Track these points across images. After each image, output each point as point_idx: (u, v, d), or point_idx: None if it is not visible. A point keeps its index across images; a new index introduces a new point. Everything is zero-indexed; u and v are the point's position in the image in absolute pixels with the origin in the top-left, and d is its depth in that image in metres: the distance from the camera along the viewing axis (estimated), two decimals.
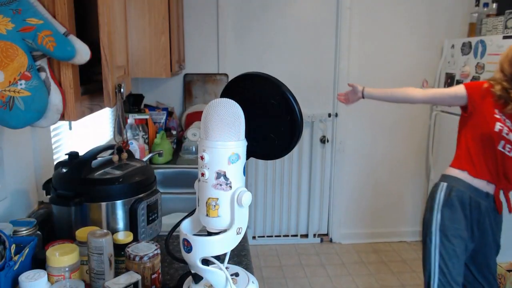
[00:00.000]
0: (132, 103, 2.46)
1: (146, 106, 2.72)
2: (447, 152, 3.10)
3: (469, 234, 1.78)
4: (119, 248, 1.02)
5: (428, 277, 1.93)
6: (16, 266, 0.88)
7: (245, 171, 0.85)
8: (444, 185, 1.82)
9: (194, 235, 0.84)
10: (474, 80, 2.75)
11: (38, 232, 1.09)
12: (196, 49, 3.08)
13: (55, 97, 0.81)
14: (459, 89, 1.77)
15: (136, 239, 1.12)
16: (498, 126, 1.70)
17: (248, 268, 1.17)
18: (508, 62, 1.71)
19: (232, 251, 0.88)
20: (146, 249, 0.99)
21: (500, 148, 1.72)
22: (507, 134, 1.70)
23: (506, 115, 1.71)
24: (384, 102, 2.15)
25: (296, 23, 3.15)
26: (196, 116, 2.92)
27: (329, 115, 3.29)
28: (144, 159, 2.01)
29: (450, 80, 3.06)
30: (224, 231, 0.84)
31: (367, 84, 2.11)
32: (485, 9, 2.96)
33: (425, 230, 1.93)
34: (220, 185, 0.81)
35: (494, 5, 2.93)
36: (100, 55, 0.87)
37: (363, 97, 2.01)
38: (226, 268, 0.89)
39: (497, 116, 1.71)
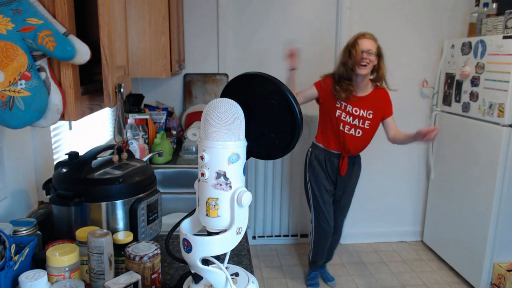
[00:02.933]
0: (132, 103, 2.46)
1: (146, 106, 2.72)
2: (447, 152, 3.10)
3: (328, 182, 2.55)
4: (119, 248, 1.02)
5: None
6: (16, 266, 0.88)
7: (245, 171, 0.85)
8: (309, 150, 2.61)
9: (194, 235, 0.84)
10: (474, 80, 2.75)
11: (38, 232, 1.09)
12: (196, 49, 3.08)
13: (55, 97, 0.81)
14: (311, 88, 2.46)
15: (136, 239, 1.12)
16: (337, 112, 2.40)
17: (248, 268, 1.17)
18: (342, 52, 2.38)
19: (232, 251, 0.88)
20: (146, 249, 0.99)
21: (341, 128, 2.41)
22: (344, 117, 2.40)
23: (346, 102, 2.38)
24: None
25: (297, 22, 3.15)
26: (196, 116, 2.92)
27: None
28: (144, 159, 2.01)
29: (450, 80, 3.07)
30: (224, 231, 0.84)
31: None
32: (485, 9, 2.96)
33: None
34: (220, 185, 0.81)
35: (494, 5, 2.93)
36: (100, 55, 0.87)
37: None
38: (226, 268, 0.89)
39: (337, 105, 2.39)
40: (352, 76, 2.32)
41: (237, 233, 0.84)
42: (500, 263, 2.63)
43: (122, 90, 0.97)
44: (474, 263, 2.74)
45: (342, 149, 2.46)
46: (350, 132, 2.40)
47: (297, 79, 2.39)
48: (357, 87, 2.36)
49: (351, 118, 2.39)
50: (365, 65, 2.26)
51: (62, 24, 0.79)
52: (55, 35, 0.76)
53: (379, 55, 2.32)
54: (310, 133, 3.28)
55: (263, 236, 3.43)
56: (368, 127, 2.41)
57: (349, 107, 2.37)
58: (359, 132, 2.41)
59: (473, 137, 2.78)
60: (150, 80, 3.07)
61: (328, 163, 2.51)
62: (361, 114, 2.38)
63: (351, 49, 2.29)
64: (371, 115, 2.39)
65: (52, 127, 1.51)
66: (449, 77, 3.08)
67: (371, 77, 2.40)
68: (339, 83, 2.34)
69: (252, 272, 1.09)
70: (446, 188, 3.11)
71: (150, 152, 2.30)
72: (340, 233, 2.79)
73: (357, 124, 2.40)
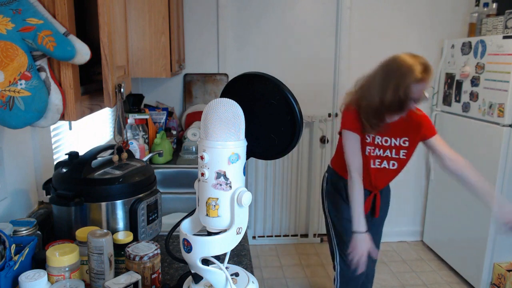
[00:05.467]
0: (132, 103, 2.46)
1: (146, 106, 2.72)
2: None
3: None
4: (119, 248, 1.02)
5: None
6: (16, 266, 0.88)
7: (245, 171, 0.85)
8: (325, 176, 2.09)
9: (194, 235, 0.84)
10: (474, 80, 2.75)
11: (38, 232, 1.09)
12: (196, 49, 3.08)
13: (55, 97, 0.81)
14: (350, 135, 1.82)
15: (136, 239, 1.12)
16: (367, 149, 1.86)
17: (248, 268, 1.17)
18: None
19: (232, 251, 0.88)
20: (146, 249, 0.99)
21: (372, 166, 1.90)
22: (374, 152, 1.88)
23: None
24: None
25: (296, 22, 3.15)
26: (196, 116, 2.92)
27: (329, 115, 3.29)
28: (144, 159, 2.01)
29: (450, 80, 3.07)
30: (224, 231, 0.84)
31: None
32: (485, 9, 2.97)
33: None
34: (220, 185, 0.81)
35: (494, 5, 2.93)
36: (100, 55, 0.87)
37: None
38: (226, 268, 0.89)
39: (367, 140, 1.85)
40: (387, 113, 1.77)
41: (237, 233, 0.84)
42: (500, 263, 2.63)
43: (122, 90, 0.97)
44: (474, 263, 2.74)
45: (370, 186, 1.94)
46: (383, 166, 1.90)
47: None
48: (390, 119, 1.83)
49: (382, 151, 1.88)
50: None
51: (62, 24, 0.79)
52: (55, 35, 0.76)
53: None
54: (310, 133, 3.29)
55: (263, 236, 3.43)
56: (404, 156, 1.89)
57: (378, 138, 1.86)
58: (393, 165, 1.90)
59: (473, 137, 2.78)
60: (150, 80, 3.07)
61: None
62: (393, 144, 1.87)
63: (410, 86, 1.66)
64: (406, 143, 1.87)
65: (52, 127, 1.51)
66: (449, 77, 3.08)
67: None
68: (368, 118, 1.77)
69: (252, 272, 1.09)
70: (446, 188, 3.11)
71: (150, 152, 2.30)
72: (372, 279, 2.17)
73: (389, 155, 1.89)
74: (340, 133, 1.90)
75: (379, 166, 1.91)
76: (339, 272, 2.02)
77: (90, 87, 0.98)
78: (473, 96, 2.77)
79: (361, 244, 1.73)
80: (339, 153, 1.96)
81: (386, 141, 1.87)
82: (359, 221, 1.76)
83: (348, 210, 1.82)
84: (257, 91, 0.88)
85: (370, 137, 1.85)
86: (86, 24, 1.00)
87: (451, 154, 1.84)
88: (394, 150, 1.88)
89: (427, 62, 1.68)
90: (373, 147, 1.87)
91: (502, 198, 1.80)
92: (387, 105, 1.70)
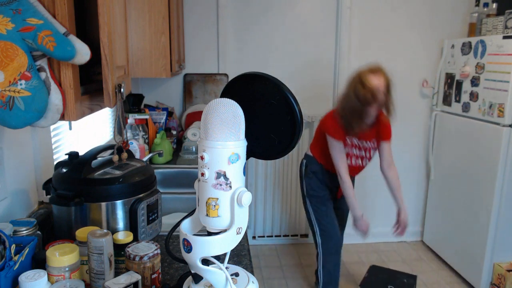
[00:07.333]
0: (132, 103, 2.46)
1: (146, 106, 2.72)
2: (447, 152, 3.10)
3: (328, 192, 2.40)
4: (119, 248, 1.02)
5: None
6: (16, 266, 0.88)
7: (245, 171, 0.85)
8: (303, 162, 2.43)
9: (194, 235, 0.84)
10: (474, 80, 2.75)
11: (38, 232, 1.09)
12: (196, 49, 3.08)
13: (55, 97, 0.81)
14: (335, 143, 2.19)
15: (136, 239, 1.12)
16: (347, 149, 2.23)
17: (248, 268, 1.17)
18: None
19: (232, 251, 0.88)
20: (146, 249, 0.99)
21: (352, 163, 2.28)
22: (353, 151, 2.25)
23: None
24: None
25: (296, 22, 3.15)
26: (196, 116, 2.92)
27: None
28: (144, 159, 2.01)
29: (450, 80, 3.07)
30: (224, 231, 0.84)
31: None
32: (485, 9, 2.97)
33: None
34: (220, 185, 0.81)
35: (494, 5, 2.93)
36: (100, 55, 0.87)
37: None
38: (226, 268, 0.89)
39: (348, 142, 2.21)
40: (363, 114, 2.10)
41: (237, 233, 0.84)
42: (500, 263, 2.63)
43: (122, 90, 0.97)
44: (474, 263, 2.74)
45: None
46: (357, 163, 2.29)
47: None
48: (368, 122, 2.17)
49: (357, 150, 2.26)
50: (379, 104, 2.07)
51: (62, 24, 0.79)
52: (55, 35, 0.76)
53: (389, 88, 2.10)
54: (310, 133, 3.29)
55: (263, 236, 3.43)
56: (373, 155, 2.33)
57: (355, 141, 2.23)
58: (366, 162, 2.33)
59: (473, 137, 2.78)
60: (150, 80, 3.08)
61: (326, 175, 2.35)
62: (368, 146, 2.27)
63: (362, 88, 2.02)
64: (374, 143, 2.30)
65: (52, 127, 1.51)
66: (449, 77, 3.08)
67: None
68: (349, 122, 2.11)
69: (252, 272, 1.09)
70: (446, 188, 3.11)
71: (150, 152, 2.30)
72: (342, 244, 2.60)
73: (363, 155, 2.29)
74: (319, 128, 2.32)
75: (355, 164, 2.29)
76: (320, 244, 2.39)
77: (90, 87, 0.98)
78: (473, 96, 2.77)
79: (361, 223, 2.30)
80: (317, 143, 2.35)
81: (361, 142, 2.26)
82: (355, 209, 2.25)
83: (323, 188, 2.35)
84: (257, 91, 0.88)
85: (351, 140, 2.22)
86: (86, 24, 1.00)
87: (390, 161, 2.33)
88: (367, 150, 2.29)
89: (379, 86, 2.03)
90: (353, 148, 2.24)
91: (404, 207, 2.33)
92: (350, 117, 2.10)
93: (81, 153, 1.24)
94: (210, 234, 0.85)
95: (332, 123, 2.18)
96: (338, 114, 2.16)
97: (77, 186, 1.13)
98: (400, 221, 2.32)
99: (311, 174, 2.36)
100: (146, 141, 2.32)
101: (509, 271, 2.55)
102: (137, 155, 2.04)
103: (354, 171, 2.33)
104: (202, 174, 0.82)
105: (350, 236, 3.42)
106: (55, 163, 1.47)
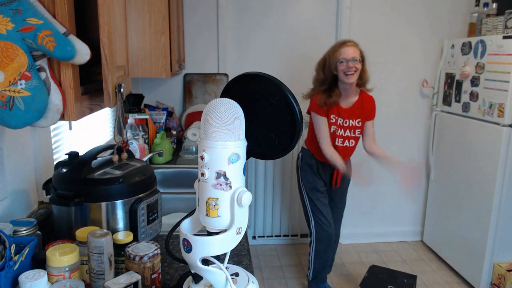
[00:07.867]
0: (132, 103, 2.46)
1: (146, 106, 2.72)
2: (447, 152, 3.10)
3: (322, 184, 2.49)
4: (119, 248, 1.02)
5: None
6: (16, 266, 0.88)
7: (245, 171, 0.85)
8: (299, 155, 2.53)
9: (194, 235, 0.84)
10: (474, 80, 2.76)
11: (38, 232, 1.09)
12: (196, 49, 3.08)
13: (55, 97, 0.81)
14: (319, 119, 2.31)
15: (136, 239, 1.12)
16: (332, 128, 2.34)
17: (248, 268, 1.17)
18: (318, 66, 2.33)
19: (232, 251, 0.88)
20: (146, 249, 0.99)
21: (336, 143, 2.37)
22: (338, 131, 2.35)
23: (337, 115, 2.32)
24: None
25: (296, 22, 3.15)
26: (196, 116, 2.92)
27: None
28: (144, 159, 2.01)
29: (450, 80, 3.07)
30: (224, 231, 0.84)
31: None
32: (485, 9, 2.96)
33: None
34: (220, 185, 0.81)
35: (494, 5, 2.93)
36: (100, 55, 0.87)
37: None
38: (226, 268, 0.89)
39: (332, 120, 2.32)
40: (339, 85, 2.28)
41: (237, 233, 0.84)
42: (500, 263, 2.63)
43: (122, 90, 0.97)
44: (474, 263, 2.74)
45: None
46: (345, 145, 2.38)
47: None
48: (346, 95, 2.31)
49: (343, 130, 2.35)
50: (353, 74, 2.20)
51: (62, 24, 0.79)
52: (55, 35, 0.76)
53: (362, 60, 2.27)
54: None
55: (263, 236, 3.43)
56: (359, 135, 2.40)
57: (340, 120, 2.33)
58: (352, 142, 2.39)
59: (473, 137, 2.78)
60: (150, 80, 3.07)
61: (320, 168, 2.45)
62: (351, 125, 2.35)
63: (334, 59, 2.21)
64: (360, 123, 2.36)
65: (52, 127, 1.51)
66: (449, 77, 3.08)
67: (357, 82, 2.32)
68: (328, 95, 2.26)
69: (252, 272, 1.09)
70: (446, 188, 3.11)
71: (150, 152, 2.30)
72: (338, 238, 2.73)
73: (349, 135, 2.37)
74: (308, 113, 2.40)
75: (341, 145, 2.38)
76: (314, 234, 2.49)
77: (90, 87, 0.98)
78: (473, 96, 2.77)
79: (348, 170, 2.37)
80: (311, 135, 2.43)
81: (346, 122, 2.34)
82: (338, 162, 2.29)
83: (319, 182, 2.45)
84: (257, 91, 0.88)
85: (334, 118, 2.32)
86: (86, 24, 1.00)
87: (374, 138, 2.43)
88: (352, 130, 2.36)
89: (346, 39, 2.28)
90: (336, 127, 2.33)
91: (403, 160, 2.40)
92: (328, 78, 2.26)
93: (81, 153, 1.24)
94: (210, 234, 0.85)
95: (314, 100, 2.33)
96: (315, 82, 2.35)
97: (77, 186, 1.13)
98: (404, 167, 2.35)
99: (306, 166, 2.47)
100: (146, 141, 2.32)
101: (509, 271, 2.55)
102: (137, 155, 2.04)
103: (343, 153, 2.37)
104: (202, 174, 0.82)
105: (350, 236, 3.42)
106: (55, 163, 1.47)
